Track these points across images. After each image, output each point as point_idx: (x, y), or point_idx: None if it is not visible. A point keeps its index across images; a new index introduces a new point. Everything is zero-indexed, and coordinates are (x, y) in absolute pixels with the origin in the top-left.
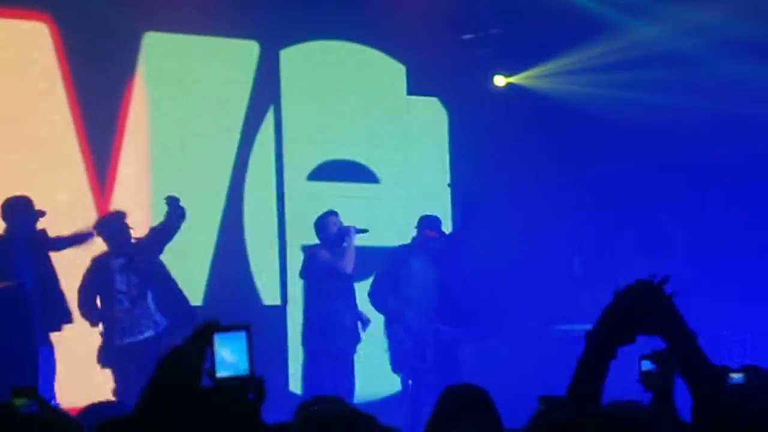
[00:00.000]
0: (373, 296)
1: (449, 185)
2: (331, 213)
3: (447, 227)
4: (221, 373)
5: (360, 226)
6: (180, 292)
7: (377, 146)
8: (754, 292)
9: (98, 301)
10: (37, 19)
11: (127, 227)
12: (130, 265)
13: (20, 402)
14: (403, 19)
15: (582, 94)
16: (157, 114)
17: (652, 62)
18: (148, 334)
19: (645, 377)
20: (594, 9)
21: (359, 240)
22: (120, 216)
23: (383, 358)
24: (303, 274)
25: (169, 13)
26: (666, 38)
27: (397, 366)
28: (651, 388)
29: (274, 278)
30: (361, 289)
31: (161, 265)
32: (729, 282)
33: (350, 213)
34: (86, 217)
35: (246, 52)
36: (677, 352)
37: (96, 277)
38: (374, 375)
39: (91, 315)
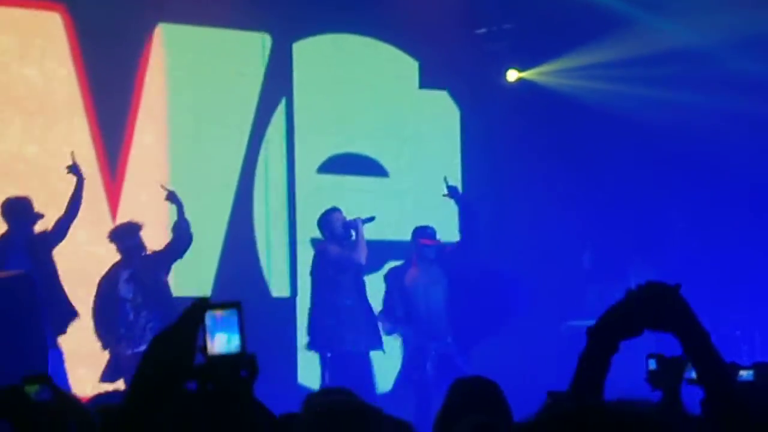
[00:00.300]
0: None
1: (446, 181)
2: (334, 210)
3: (454, 224)
4: (213, 350)
5: (366, 216)
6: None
7: (388, 140)
8: (764, 289)
9: (109, 316)
10: (51, 9)
11: (141, 241)
12: (136, 276)
13: (32, 389)
14: (415, 13)
15: (593, 90)
16: (169, 106)
17: (665, 59)
18: None
19: (652, 376)
20: (608, 4)
21: (370, 233)
22: (134, 229)
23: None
24: (313, 270)
25: (182, 5)
26: (681, 35)
27: (398, 383)
28: (659, 387)
29: (284, 270)
30: (371, 283)
31: (166, 285)
32: (739, 280)
33: (359, 206)
34: (96, 207)
35: (258, 44)
36: (691, 351)
37: (104, 290)
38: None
39: (103, 330)
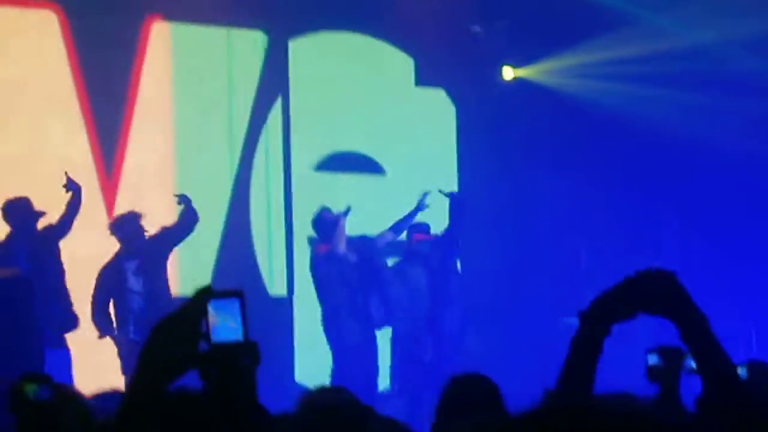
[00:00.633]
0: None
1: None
2: (323, 209)
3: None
4: (216, 338)
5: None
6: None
7: (384, 137)
8: (761, 287)
9: (111, 306)
10: (46, 7)
11: (141, 229)
12: (143, 266)
13: (30, 388)
14: (411, 10)
15: (590, 88)
16: (164, 103)
17: (663, 57)
18: None
19: (651, 371)
20: (605, 2)
21: (365, 228)
22: (135, 217)
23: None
24: (311, 270)
25: (177, 3)
26: (679, 33)
27: (393, 380)
28: (657, 381)
29: (281, 269)
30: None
31: (165, 267)
32: (735, 277)
33: (357, 204)
34: (92, 204)
35: (254, 42)
36: (688, 334)
37: (109, 282)
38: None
39: (103, 321)
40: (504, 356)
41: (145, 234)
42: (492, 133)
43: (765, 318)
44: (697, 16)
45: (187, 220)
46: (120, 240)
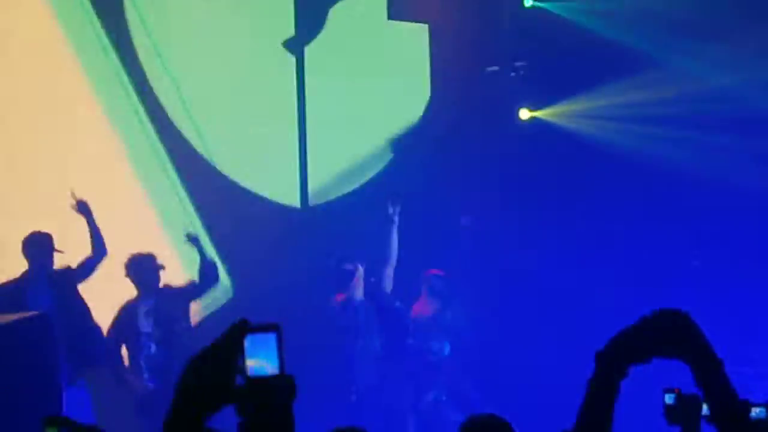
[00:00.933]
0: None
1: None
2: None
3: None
4: (252, 373)
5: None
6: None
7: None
8: None
9: (124, 347)
10: None
11: (156, 268)
12: (156, 307)
13: (52, 431)
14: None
15: (607, 129)
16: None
17: (684, 99)
18: None
19: (669, 411)
20: (622, 45)
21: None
22: (150, 258)
23: None
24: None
25: None
26: (698, 76)
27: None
28: (675, 422)
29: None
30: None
31: (184, 320)
32: (757, 316)
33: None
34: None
35: None
36: (701, 380)
37: (122, 322)
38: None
39: (116, 360)
40: (521, 397)
41: (161, 275)
42: (507, 172)
43: None
44: (720, 60)
45: (207, 275)
46: (134, 280)
